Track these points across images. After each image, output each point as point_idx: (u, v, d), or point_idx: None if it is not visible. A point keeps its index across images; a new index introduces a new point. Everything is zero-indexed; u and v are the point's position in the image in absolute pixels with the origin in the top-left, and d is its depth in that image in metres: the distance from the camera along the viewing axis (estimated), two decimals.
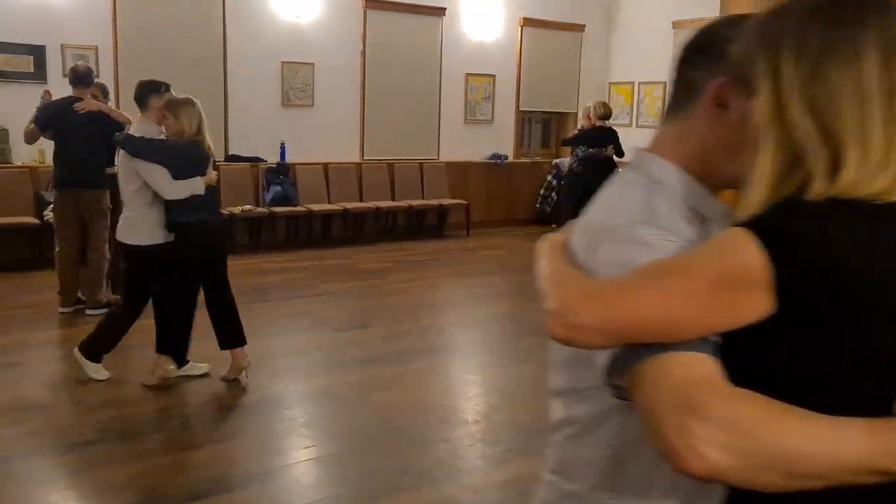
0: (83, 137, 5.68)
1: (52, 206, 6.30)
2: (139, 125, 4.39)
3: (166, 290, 4.37)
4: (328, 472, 3.53)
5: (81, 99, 5.81)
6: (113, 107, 6.17)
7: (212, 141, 4.43)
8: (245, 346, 4.48)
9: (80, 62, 6.56)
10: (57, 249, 5.92)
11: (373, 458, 3.65)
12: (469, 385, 4.74)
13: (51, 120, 5.83)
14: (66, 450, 3.63)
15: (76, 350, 4.42)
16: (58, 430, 3.85)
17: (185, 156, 4.22)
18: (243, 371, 4.46)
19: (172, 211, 4.24)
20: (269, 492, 3.33)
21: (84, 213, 5.84)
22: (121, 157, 4.35)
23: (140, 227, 4.26)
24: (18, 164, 7.64)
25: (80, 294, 5.99)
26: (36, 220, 7.34)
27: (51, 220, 6.38)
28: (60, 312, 5.86)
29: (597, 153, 8.13)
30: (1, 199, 7.33)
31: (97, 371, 4.41)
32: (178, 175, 4.17)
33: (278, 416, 4.13)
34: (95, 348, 4.40)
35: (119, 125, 5.60)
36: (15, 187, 7.49)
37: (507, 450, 3.79)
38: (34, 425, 3.91)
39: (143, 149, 4.19)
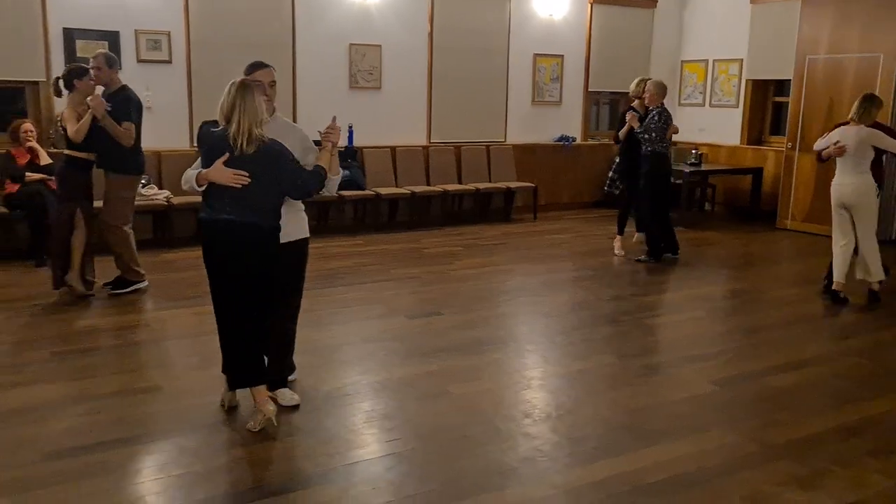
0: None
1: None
2: None
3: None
4: (412, 467, 3.45)
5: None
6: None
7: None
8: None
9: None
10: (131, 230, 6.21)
11: (457, 453, 3.56)
12: (549, 377, 4.61)
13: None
14: (137, 440, 3.65)
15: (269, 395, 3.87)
16: (124, 420, 3.88)
17: None
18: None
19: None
20: (354, 489, 3.26)
21: None
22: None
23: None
24: None
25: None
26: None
27: None
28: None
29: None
30: None
31: (292, 397, 4.07)
32: None
33: (356, 408, 4.07)
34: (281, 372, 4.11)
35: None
36: None
37: (594, 448, 3.66)
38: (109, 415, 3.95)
39: None
